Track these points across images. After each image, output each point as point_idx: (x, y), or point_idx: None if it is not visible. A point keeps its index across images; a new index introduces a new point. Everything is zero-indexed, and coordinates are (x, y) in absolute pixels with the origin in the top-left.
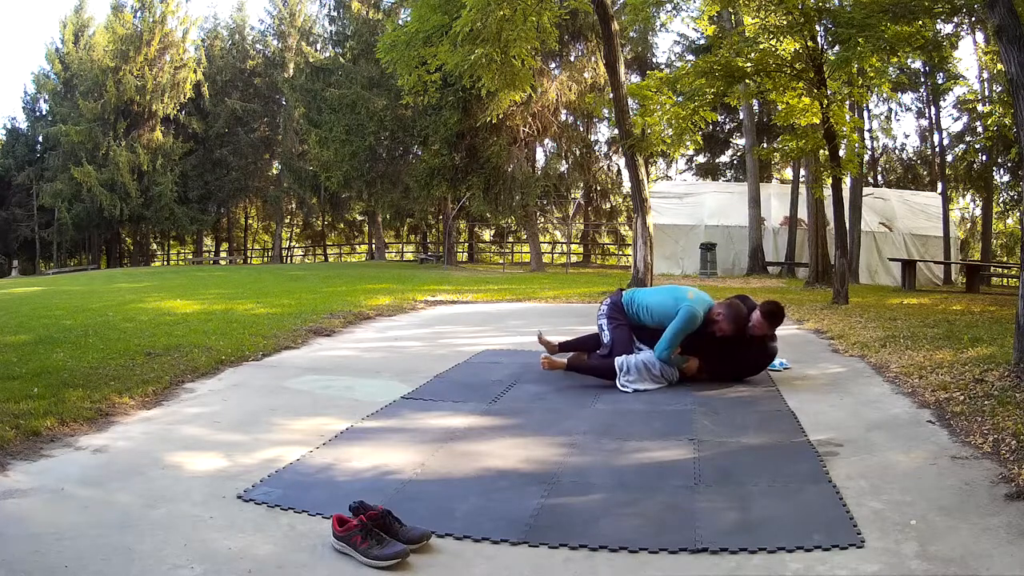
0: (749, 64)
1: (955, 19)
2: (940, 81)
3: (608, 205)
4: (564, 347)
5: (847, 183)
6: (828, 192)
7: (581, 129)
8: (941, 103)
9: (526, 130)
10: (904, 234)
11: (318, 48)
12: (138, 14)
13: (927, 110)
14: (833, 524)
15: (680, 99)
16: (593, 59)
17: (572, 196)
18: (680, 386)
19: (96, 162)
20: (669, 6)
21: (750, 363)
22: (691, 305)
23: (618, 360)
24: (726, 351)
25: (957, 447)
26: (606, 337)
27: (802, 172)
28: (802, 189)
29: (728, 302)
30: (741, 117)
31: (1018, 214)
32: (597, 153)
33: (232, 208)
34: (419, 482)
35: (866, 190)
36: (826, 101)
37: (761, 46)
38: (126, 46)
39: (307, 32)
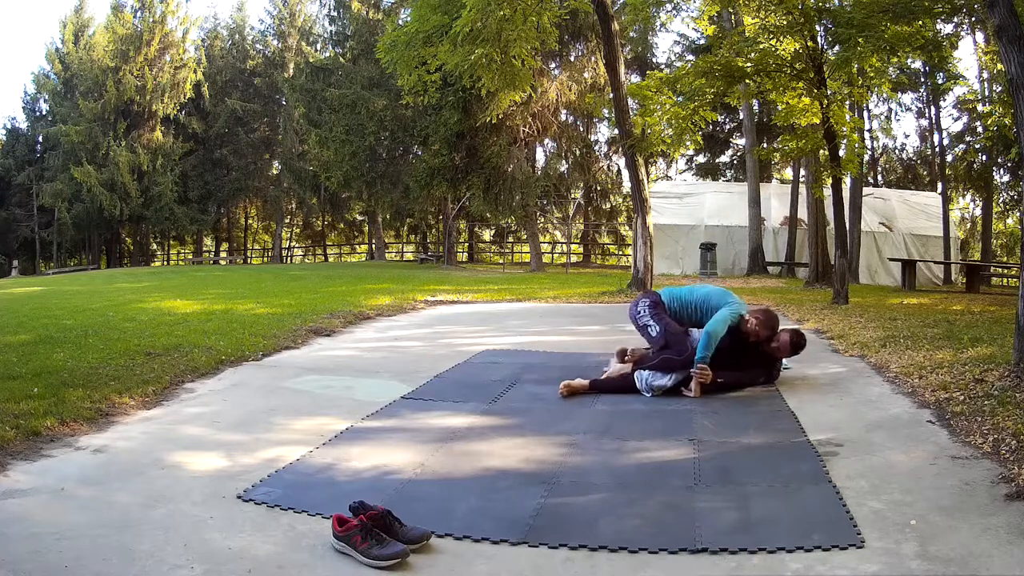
0: (749, 64)
1: (955, 19)
2: (940, 81)
3: (608, 205)
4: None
5: (847, 183)
6: (828, 192)
7: (581, 129)
8: (941, 103)
9: (526, 130)
10: (904, 234)
11: (318, 48)
12: (138, 14)
13: (927, 110)
14: (833, 524)
15: (680, 99)
16: (593, 59)
17: (572, 196)
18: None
19: (96, 162)
20: (669, 6)
21: (752, 375)
22: (734, 307)
23: (637, 379)
24: (738, 357)
25: (957, 447)
26: (654, 331)
27: (802, 172)
28: (802, 189)
29: (764, 308)
30: (741, 117)
31: (1018, 214)
32: (597, 153)
33: (232, 208)
34: (419, 482)
35: (866, 190)
36: (826, 101)
37: (761, 46)
38: (126, 46)
39: (307, 32)
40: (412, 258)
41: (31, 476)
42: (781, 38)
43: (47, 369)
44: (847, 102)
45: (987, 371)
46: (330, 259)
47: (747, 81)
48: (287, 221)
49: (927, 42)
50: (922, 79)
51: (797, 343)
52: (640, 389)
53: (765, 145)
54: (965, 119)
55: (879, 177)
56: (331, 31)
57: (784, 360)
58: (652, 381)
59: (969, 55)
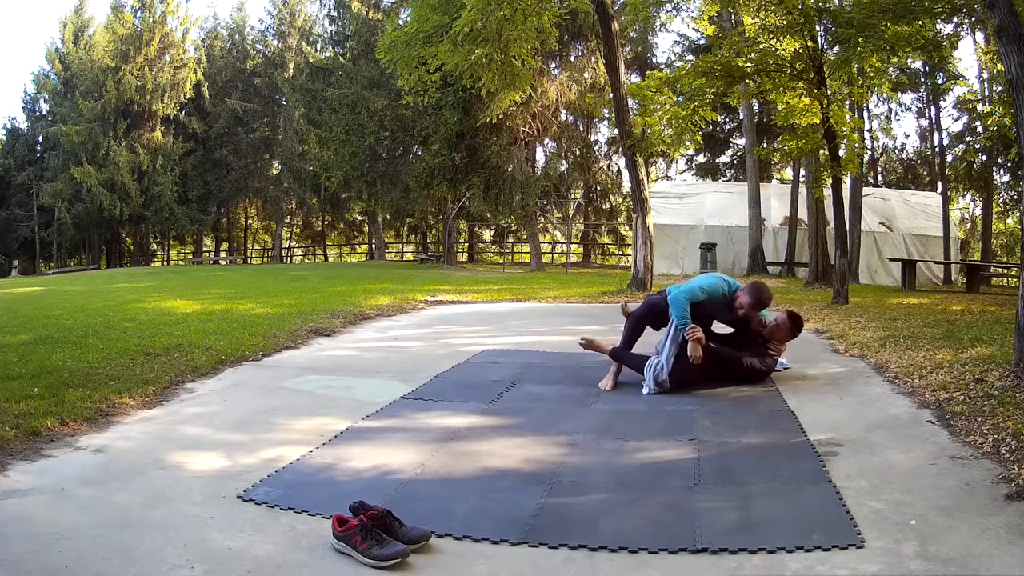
0: (749, 64)
1: (955, 19)
2: (940, 81)
3: (608, 205)
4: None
5: (847, 183)
6: (828, 192)
7: (581, 129)
8: (941, 103)
9: (526, 130)
10: (904, 234)
11: (318, 48)
12: (138, 14)
13: (927, 110)
14: (833, 524)
15: (680, 99)
16: (593, 59)
17: (572, 196)
18: (680, 387)
19: (96, 162)
20: (669, 6)
21: (746, 355)
22: (721, 278)
23: (647, 367)
24: (734, 339)
25: (957, 447)
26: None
27: (802, 172)
28: (802, 189)
29: (749, 282)
30: (741, 117)
31: (1018, 214)
32: (597, 153)
33: (232, 208)
34: (419, 482)
35: (866, 190)
36: (826, 101)
37: (761, 46)
38: (126, 46)
39: (307, 32)
40: (412, 258)
41: (31, 476)
42: (781, 38)
43: (47, 369)
44: (847, 102)
45: (987, 371)
46: (330, 259)
47: (747, 81)
48: (287, 221)
49: (927, 42)
50: (922, 79)
51: (795, 316)
52: (645, 377)
53: (765, 145)
54: (965, 119)
55: (879, 177)
56: (331, 31)
57: (783, 360)
58: (660, 375)
59: (969, 55)
